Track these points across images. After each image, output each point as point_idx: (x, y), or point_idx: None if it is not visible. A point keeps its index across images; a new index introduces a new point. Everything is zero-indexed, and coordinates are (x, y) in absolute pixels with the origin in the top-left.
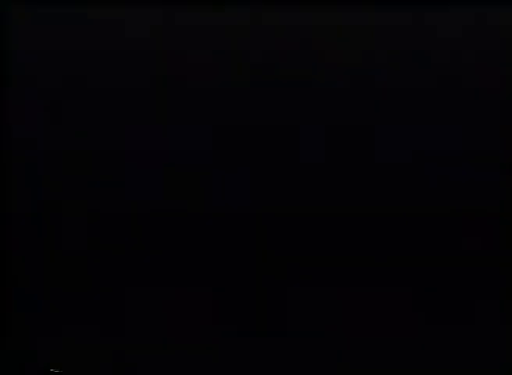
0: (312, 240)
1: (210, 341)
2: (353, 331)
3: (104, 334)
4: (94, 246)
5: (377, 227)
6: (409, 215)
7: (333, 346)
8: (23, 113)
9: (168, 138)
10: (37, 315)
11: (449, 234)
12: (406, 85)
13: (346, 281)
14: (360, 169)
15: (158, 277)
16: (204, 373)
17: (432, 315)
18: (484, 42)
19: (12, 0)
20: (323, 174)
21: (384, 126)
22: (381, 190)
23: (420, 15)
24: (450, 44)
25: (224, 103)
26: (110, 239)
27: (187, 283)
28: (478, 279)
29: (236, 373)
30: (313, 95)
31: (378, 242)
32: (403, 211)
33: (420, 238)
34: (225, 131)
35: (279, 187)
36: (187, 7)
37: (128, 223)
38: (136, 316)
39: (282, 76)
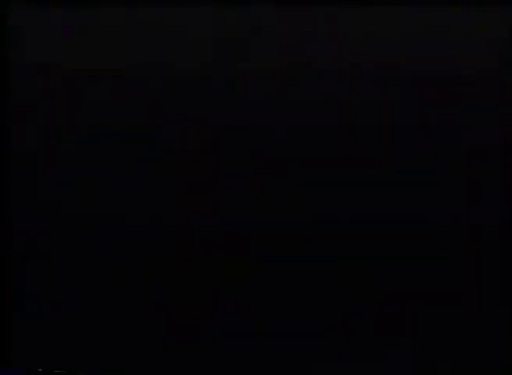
0: (312, 241)
1: (210, 341)
2: (353, 331)
3: (104, 334)
4: (93, 247)
5: (375, 230)
6: (407, 216)
7: (333, 346)
8: (22, 113)
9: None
10: (37, 315)
11: (449, 239)
12: (405, 84)
13: (346, 285)
14: (359, 172)
15: (158, 278)
16: (204, 373)
17: (431, 316)
18: (484, 42)
19: (12, 0)
20: (323, 176)
21: (383, 127)
22: (380, 192)
23: (419, 15)
24: (449, 43)
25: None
26: (110, 240)
27: (187, 284)
28: (478, 279)
29: (235, 373)
30: (309, 97)
31: (376, 245)
32: (402, 211)
33: (418, 241)
34: (226, 132)
35: (274, 195)
36: (188, 7)
37: (127, 224)
38: (136, 317)
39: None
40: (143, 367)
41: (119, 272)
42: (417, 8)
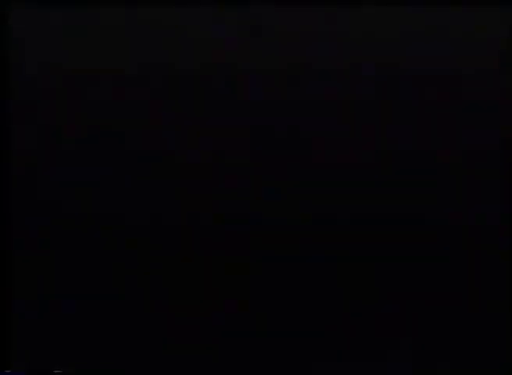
0: (312, 241)
1: (210, 341)
2: (353, 331)
3: (104, 334)
4: (93, 247)
5: (375, 230)
6: (407, 216)
7: (333, 346)
8: (22, 113)
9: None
10: (37, 315)
11: (449, 239)
12: (405, 84)
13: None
14: (359, 172)
15: (158, 278)
16: (204, 373)
17: (430, 316)
18: (484, 42)
19: (12, 0)
20: (325, 176)
21: (383, 126)
22: (380, 192)
23: (419, 15)
24: (449, 43)
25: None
26: (109, 240)
27: (187, 284)
28: (478, 279)
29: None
30: (313, 98)
31: (376, 245)
32: (403, 211)
33: (418, 241)
34: (226, 132)
35: (273, 191)
36: (188, 7)
37: (127, 224)
38: (136, 317)
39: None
40: (143, 367)
41: (119, 272)
42: (417, 8)
